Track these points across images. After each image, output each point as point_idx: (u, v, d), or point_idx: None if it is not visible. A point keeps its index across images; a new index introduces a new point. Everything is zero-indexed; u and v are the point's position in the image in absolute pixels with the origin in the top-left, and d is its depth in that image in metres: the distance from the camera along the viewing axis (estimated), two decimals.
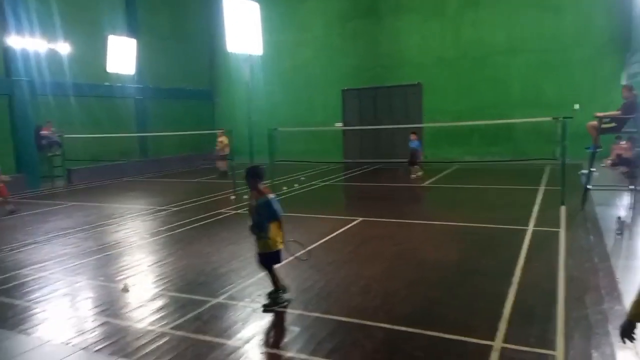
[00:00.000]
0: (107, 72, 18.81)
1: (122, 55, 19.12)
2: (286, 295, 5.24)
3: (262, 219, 5.08)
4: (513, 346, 4.05)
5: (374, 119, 20.90)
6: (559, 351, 3.92)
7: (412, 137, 14.80)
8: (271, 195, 5.17)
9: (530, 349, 3.98)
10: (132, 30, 20.00)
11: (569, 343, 4.05)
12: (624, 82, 15.29)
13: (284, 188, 13.35)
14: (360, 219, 9.29)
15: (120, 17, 19.80)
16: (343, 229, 8.52)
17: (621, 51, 16.50)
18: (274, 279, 5.21)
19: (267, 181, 13.00)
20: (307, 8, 21.82)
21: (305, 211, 10.15)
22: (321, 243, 7.70)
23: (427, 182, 14.15)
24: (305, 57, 22.06)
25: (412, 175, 14.70)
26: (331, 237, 8.04)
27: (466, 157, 19.05)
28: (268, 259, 5.18)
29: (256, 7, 13.47)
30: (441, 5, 19.30)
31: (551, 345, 4.02)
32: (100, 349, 4.37)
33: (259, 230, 5.10)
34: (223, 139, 17.53)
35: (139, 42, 19.84)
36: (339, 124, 21.30)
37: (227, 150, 17.41)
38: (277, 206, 5.12)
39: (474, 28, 18.79)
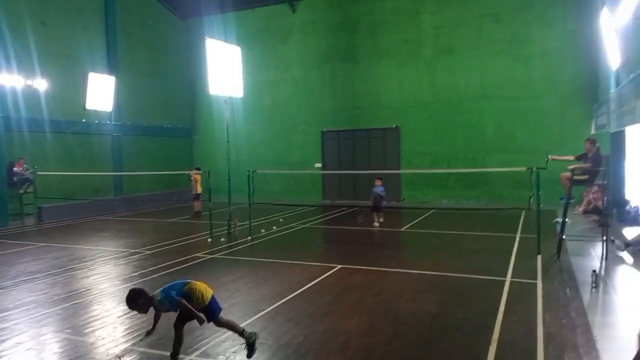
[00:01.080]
0: (85, 109, 18.67)
1: (100, 92, 19.05)
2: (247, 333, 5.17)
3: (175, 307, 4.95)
4: None
5: (352, 160, 21.11)
6: None
7: (377, 182, 14.37)
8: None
9: None
10: (112, 67, 20.01)
11: None
12: (593, 131, 15.90)
13: (262, 230, 13.21)
14: (339, 266, 9.21)
15: (100, 54, 19.82)
16: (321, 277, 8.41)
17: (589, 101, 17.22)
18: (232, 329, 5.22)
19: (245, 222, 12.94)
20: (286, 49, 22.28)
21: (284, 257, 10.02)
22: (300, 292, 7.57)
23: (405, 227, 14.20)
24: (285, 96, 22.38)
25: (375, 223, 14.15)
26: (310, 286, 7.92)
27: (443, 200, 19.31)
28: (211, 313, 5.08)
29: (237, 50, 13.65)
30: (417, 51, 19.94)
31: None
32: None
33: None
34: (197, 177, 17.43)
35: (118, 79, 19.83)
36: (319, 165, 21.45)
37: (199, 190, 17.31)
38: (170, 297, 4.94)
39: (449, 74, 19.41)
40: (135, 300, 4.93)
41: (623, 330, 5.72)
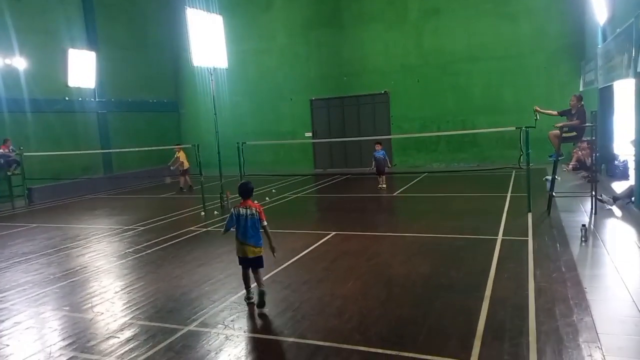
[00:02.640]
0: (67, 87, 18.27)
1: (82, 68, 18.62)
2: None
3: (254, 230, 5.81)
4: None
5: (343, 128, 21.01)
6: None
7: (377, 147, 14.75)
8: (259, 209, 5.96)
9: None
10: (92, 42, 19.50)
11: (541, 358, 4.12)
12: (581, 88, 15.89)
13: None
14: (333, 233, 9.28)
15: (79, 29, 19.28)
16: (316, 244, 8.48)
17: (576, 58, 17.16)
18: (260, 280, 5.84)
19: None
20: (270, 17, 21.80)
21: (278, 226, 10.01)
22: (295, 260, 7.64)
23: (397, 192, 14.29)
24: (270, 66, 22.03)
25: (381, 185, 14.69)
26: (305, 254, 7.99)
27: (434, 164, 19.38)
28: (259, 263, 5.84)
29: (219, 19, 13.34)
30: (403, 14, 19.62)
31: None
32: None
33: (257, 241, 5.81)
34: (180, 155, 17.23)
35: (99, 55, 19.36)
36: (309, 134, 21.34)
37: (185, 166, 17.16)
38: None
39: (435, 36, 19.19)
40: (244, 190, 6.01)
41: (612, 281, 5.86)
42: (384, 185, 14.76)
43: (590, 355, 4.13)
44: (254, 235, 5.78)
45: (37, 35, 17.52)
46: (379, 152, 14.64)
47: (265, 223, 5.87)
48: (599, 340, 4.36)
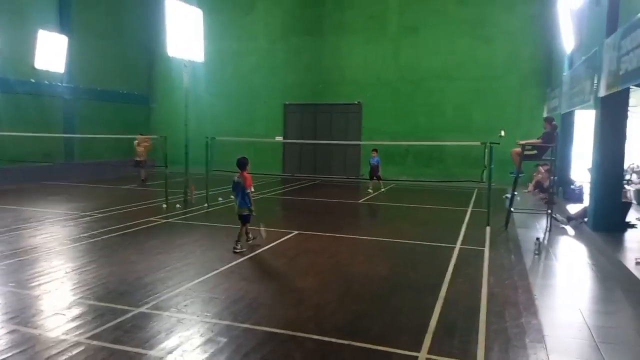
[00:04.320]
0: (34, 68, 17.72)
1: (51, 51, 18.10)
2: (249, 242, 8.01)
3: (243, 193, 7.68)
4: (437, 357, 4.15)
5: (314, 134, 21.09)
6: None
7: (373, 153, 15.36)
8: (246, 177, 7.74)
9: None
10: (64, 26, 18.98)
11: (488, 354, 4.21)
12: (545, 114, 16.48)
13: (220, 199, 13.05)
14: (296, 232, 9.27)
15: (52, 12, 18.76)
16: (278, 242, 8.44)
17: (543, 84, 17.85)
18: (245, 231, 7.93)
19: (202, 191, 12.74)
20: (251, 19, 21.79)
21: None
22: (255, 255, 7.58)
23: (363, 200, 14.40)
24: (248, 67, 21.95)
25: (369, 189, 15.35)
26: (266, 249, 7.94)
27: (401, 177, 19.64)
28: (245, 218, 7.85)
29: (199, 13, 13.24)
30: (383, 28, 19.96)
31: (472, 356, 4.17)
32: (6, 358, 4.00)
33: (241, 202, 7.73)
34: (148, 145, 17.02)
35: (71, 40, 18.87)
36: (280, 138, 21.30)
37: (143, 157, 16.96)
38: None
39: (413, 52, 19.58)
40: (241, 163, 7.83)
41: (561, 290, 6.07)
42: (371, 190, 15.32)
43: (536, 354, 4.25)
44: (240, 198, 7.71)
45: (8, 14, 16.94)
46: (374, 159, 15.26)
47: (248, 190, 7.66)
48: (545, 342, 4.49)
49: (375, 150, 15.55)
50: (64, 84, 19.28)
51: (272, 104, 21.64)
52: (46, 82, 18.52)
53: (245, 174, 7.76)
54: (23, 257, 7.18)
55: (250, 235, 8.11)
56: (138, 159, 17.07)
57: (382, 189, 15.31)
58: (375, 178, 15.47)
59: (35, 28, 17.55)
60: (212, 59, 20.18)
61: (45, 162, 17.82)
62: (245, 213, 7.75)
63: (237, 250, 7.54)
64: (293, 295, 5.72)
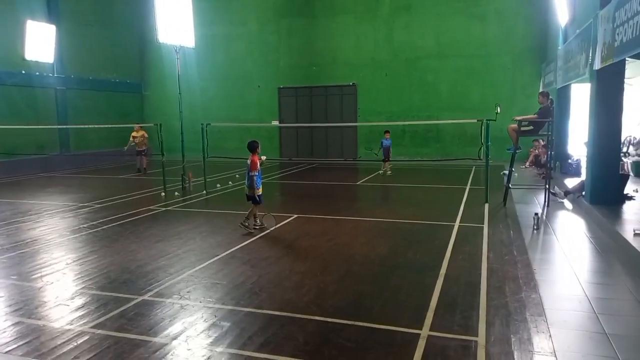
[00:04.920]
0: (24, 60, 17.51)
1: (40, 41, 17.87)
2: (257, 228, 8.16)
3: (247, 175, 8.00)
4: (438, 334, 4.19)
5: (310, 118, 21.00)
6: (481, 337, 4.11)
7: (386, 135, 15.23)
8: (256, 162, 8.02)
9: (455, 336, 4.15)
10: (53, 15, 18.69)
11: (489, 329, 4.26)
12: (541, 89, 16.43)
13: (218, 185, 13.06)
14: (295, 215, 9.30)
15: (39, 1, 18.43)
16: (278, 226, 8.46)
17: (538, 60, 17.74)
18: (254, 214, 8.16)
19: (199, 178, 12.70)
20: (241, 3, 21.50)
21: (240, 209, 9.94)
22: (256, 239, 7.60)
23: (361, 181, 14.41)
24: (240, 52, 21.74)
25: (381, 171, 15.27)
26: (266, 234, 7.97)
27: (398, 157, 19.61)
28: (251, 199, 8.10)
29: None
30: (374, 8, 19.74)
31: (473, 332, 4.22)
32: (12, 349, 4.03)
33: (247, 183, 8.05)
34: (144, 133, 16.95)
35: (60, 29, 18.63)
36: (276, 122, 21.21)
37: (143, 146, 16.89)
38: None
39: (406, 32, 19.40)
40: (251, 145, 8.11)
41: (560, 264, 6.12)
42: (387, 171, 15.21)
43: (536, 327, 4.30)
44: (247, 178, 8.03)
45: None
46: (387, 140, 15.11)
47: (251, 173, 7.91)
48: (545, 314, 4.54)
49: (388, 131, 15.41)
50: (55, 75, 19.07)
51: (266, 88, 21.50)
52: (37, 73, 18.32)
53: (253, 157, 8.01)
54: (24, 249, 7.18)
55: (257, 221, 8.28)
56: (139, 148, 16.98)
57: (388, 172, 15.21)
58: (386, 160, 15.29)
59: (24, 19, 17.32)
60: (203, 44, 20.00)
61: (40, 154, 17.74)
62: (252, 194, 8.03)
63: (244, 225, 8.01)
64: (294, 278, 5.75)
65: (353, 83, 20.22)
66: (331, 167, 18.44)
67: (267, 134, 21.51)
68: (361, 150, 20.34)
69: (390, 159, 15.49)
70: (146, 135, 17.05)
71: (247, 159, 8.09)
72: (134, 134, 16.95)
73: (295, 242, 7.51)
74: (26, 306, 5.01)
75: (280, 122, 21.27)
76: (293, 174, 16.63)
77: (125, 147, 17.20)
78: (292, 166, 18.32)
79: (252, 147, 8.12)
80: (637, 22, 6.02)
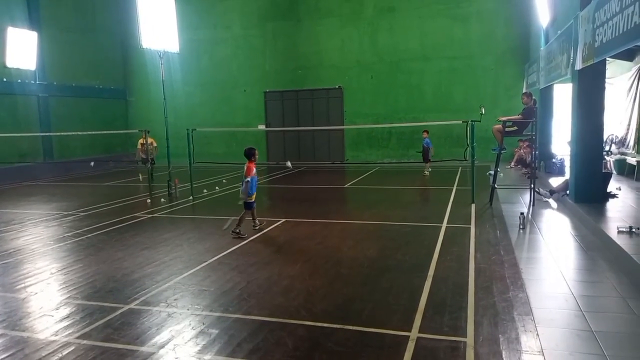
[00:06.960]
0: (5, 67, 17.26)
1: (22, 48, 17.64)
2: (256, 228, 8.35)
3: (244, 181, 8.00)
4: (428, 335, 4.20)
5: (296, 121, 20.98)
6: (470, 337, 4.13)
7: (424, 135, 15.14)
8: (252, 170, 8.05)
9: (444, 337, 4.16)
10: (34, 21, 18.47)
11: (478, 329, 4.28)
12: (524, 90, 16.62)
13: (205, 191, 12.97)
14: (283, 219, 9.28)
15: (19, 7, 18.20)
16: (265, 230, 8.44)
17: (521, 61, 17.96)
18: (243, 218, 8.06)
19: (186, 184, 12.61)
20: (225, 6, 21.45)
21: (227, 214, 9.89)
22: (243, 245, 7.56)
23: (348, 184, 14.43)
24: (225, 56, 21.68)
25: (426, 172, 15.10)
26: (254, 238, 7.93)
27: (385, 159, 19.72)
28: (244, 205, 8.11)
29: (171, 2, 12.99)
30: (358, 10, 19.84)
31: (462, 332, 4.23)
32: None
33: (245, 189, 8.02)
34: (152, 141, 16.14)
35: (42, 35, 18.41)
36: (262, 126, 21.15)
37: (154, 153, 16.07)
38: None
39: (390, 34, 19.51)
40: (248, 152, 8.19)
41: (546, 263, 6.17)
42: (427, 172, 15.06)
43: (524, 326, 4.33)
44: (242, 185, 8.07)
45: None
46: (425, 140, 15.01)
47: (245, 179, 7.97)
48: (532, 313, 4.58)
49: (426, 131, 15.27)
50: (37, 82, 18.83)
51: (251, 92, 21.46)
52: (19, 80, 18.09)
53: (249, 164, 8.08)
54: (7, 260, 7.05)
55: (257, 221, 8.46)
56: (148, 156, 16.19)
57: (426, 173, 15.07)
58: (425, 160, 15.09)
59: (4, 25, 17.10)
60: (188, 48, 19.94)
61: (23, 162, 17.47)
62: (241, 197, 8.13)
63: (236, 232, 7.95)
64: (283, 283, 5.72)
65: (339, 86, 20.27)
66: (319, 170, 18.43)
67: (254, 138, 21.41)
68: (349, 153, 20.38)
69: (431, 160, 15.19)
70: (155, 143, 16.10)
71: (244, 165, 8.20)
72: (141, 141, 16.18)
73: (283, 247, 7.48)
74: (10, 318, 4.91)
75: (266, 126, 21.22)
76: (280, 177, 16.59)
77: (137, 159, 16.34)
78: (279, 170, 18.28)
79: (248, 155, 8.19)
80: (617, 22, 6.12)
